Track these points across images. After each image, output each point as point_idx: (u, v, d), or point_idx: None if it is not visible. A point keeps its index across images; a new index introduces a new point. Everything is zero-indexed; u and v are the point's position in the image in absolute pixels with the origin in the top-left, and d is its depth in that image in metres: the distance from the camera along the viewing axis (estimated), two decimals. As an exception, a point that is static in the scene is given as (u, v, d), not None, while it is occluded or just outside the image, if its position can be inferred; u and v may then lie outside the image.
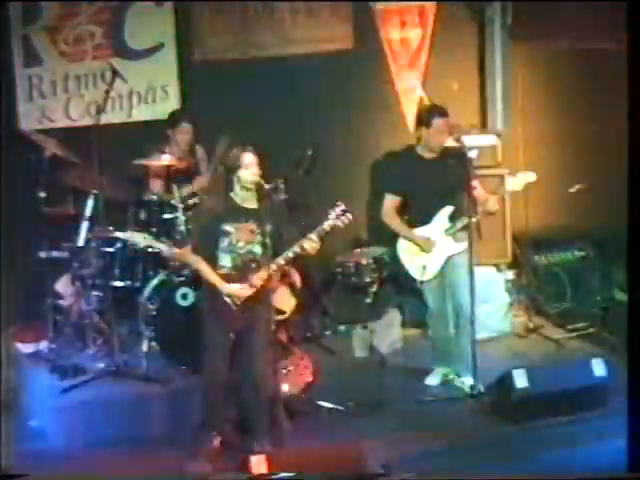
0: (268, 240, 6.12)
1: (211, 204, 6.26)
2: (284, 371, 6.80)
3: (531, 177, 7.02)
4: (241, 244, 6.10)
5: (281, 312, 7.30)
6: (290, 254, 6.08)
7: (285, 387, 6.75)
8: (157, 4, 8.24)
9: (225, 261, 6.12)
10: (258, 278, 6.08)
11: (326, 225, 6.06)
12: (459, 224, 7.06)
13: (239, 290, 6.07)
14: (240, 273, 6.10)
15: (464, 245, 7.06)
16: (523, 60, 8.34)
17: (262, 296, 6.18)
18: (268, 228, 6.12)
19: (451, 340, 7.27)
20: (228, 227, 6.08)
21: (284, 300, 7.43)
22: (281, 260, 6.11)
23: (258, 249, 6.13)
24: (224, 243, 6.10)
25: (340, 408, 6.82)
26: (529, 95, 8.45)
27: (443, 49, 8.62)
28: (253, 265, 6.11)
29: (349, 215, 6.05)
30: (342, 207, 6.07)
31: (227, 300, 6.09)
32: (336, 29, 8.52)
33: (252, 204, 6.16)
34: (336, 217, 6.05)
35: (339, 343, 8.05)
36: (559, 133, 8.26)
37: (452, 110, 7.16)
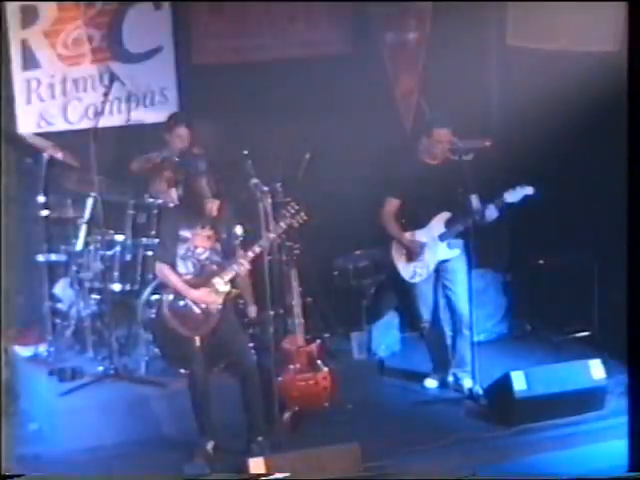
0: (226, 246, 6.25)
1: (171, 210, 6.37)
2: (302, 383, 6.81)
3: (529, 190, 7.02)
4: (199, 250, 6.20)
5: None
6: (250, 253, 6.19)
7: (295, 406, 6.77)
8: (155, 7, 8.24)
9: (184, 268, 6.23)
10: (222, 282, 6.18)
11: (282, 224, 6.24)
12: (454, 230, 7.08)
13: (204, 295, 6.17)
14: (200, 279, 6.21)
15: (457, 252, 7.09)
16: (523, 63, 8.32)
17: (225, 299, 6.27)
18: (224, 234, 6.23)
19: (446, 345, 7.28)
20: (186, 233, 6.18)
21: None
22: (242, 260, 6.19)
23: (216, 255, 6.23)
24: (182, 250, 6.19)
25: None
26: (528, 99, 8.43)
27: (442, 52, 8.60)
28: (213, 269, 6.20)
29: (303, 215, 6.24)
30: (295, 207, 6.24)
31: (191, 305, 6.19)
32: (335, 32, 8.53)
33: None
34: (291, 216, 6.22)
35: (337, 345, 8.03)
36: (558, 135, 8.23)
37: (451, 114, 7.17)
